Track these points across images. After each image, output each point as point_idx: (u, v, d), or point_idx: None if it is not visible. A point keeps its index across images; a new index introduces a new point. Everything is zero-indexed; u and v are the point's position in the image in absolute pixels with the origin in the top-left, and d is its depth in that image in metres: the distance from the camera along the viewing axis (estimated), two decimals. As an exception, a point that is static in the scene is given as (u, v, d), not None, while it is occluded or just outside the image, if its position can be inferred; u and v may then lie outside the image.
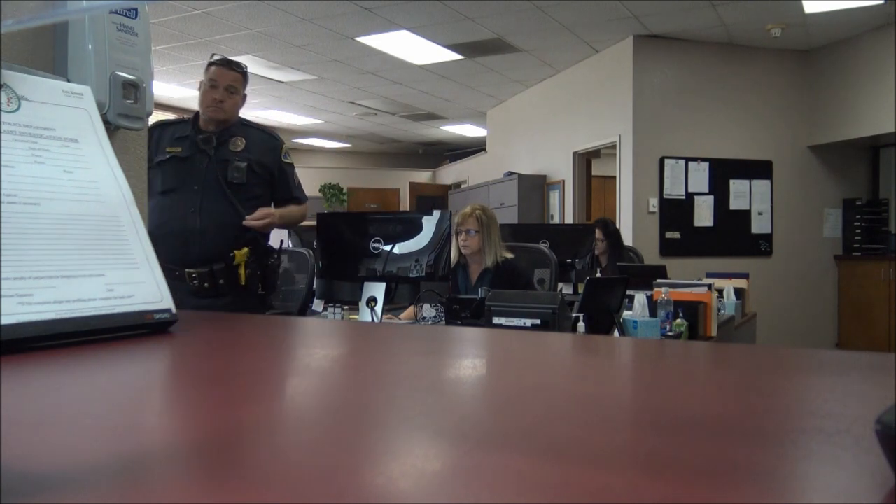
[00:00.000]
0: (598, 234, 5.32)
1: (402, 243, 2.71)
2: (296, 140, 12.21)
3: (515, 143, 9.36)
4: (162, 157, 2.72)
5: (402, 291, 3.63)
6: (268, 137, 2.97)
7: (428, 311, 2.93)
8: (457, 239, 3.47)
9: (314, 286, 3.32)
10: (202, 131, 2.81)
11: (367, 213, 4.06)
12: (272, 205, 2.93)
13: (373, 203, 12.27)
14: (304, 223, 3.38)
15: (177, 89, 8.65)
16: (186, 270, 2.66)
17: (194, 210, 2.70)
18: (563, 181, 8.14)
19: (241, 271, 2.72)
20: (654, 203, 6.96)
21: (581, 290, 3.33)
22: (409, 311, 3.24)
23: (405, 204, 12.50)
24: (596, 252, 5.35)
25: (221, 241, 2.69)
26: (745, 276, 4.77)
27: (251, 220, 2.71)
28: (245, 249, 2.72)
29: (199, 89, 2.87)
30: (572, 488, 0.24)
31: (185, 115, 3.00)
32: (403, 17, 6.31)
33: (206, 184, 2.72)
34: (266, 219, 2.77)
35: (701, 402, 0.39)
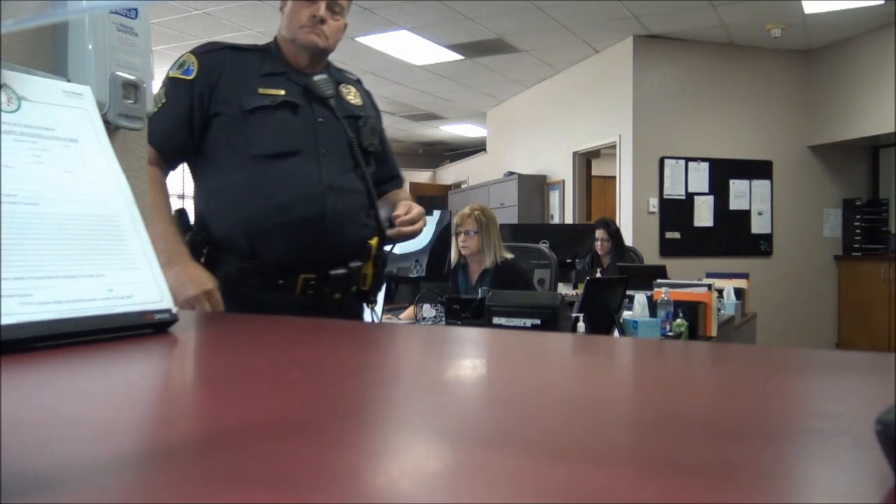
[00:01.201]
0: (602, 233, 5.32)
1: (402, 243, 2.71)
2: (296, 140, 12.18)
3: (515, 143, 9.36)
4: (261, 102, 1.65)
5: (402, 291, 3.63)
6: (363, 88, 1.96)
7: (428, 311, 2.93)
8: (456, 239, 3.47)
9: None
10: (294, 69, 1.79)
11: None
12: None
13: (373, 203, 12.25)
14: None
15: (177, 89, 8.63)
16: (303, 276, 1.66)
17: (321, 188, 1.67)
18: (563, 181, 8.14)
19: (368, 271, 1.78)
20: (654, 203, 6.96)
21: (581, 290, 3.33)
22: (409, 311, 3.23)
23: (405, 204, 12.47)
24: (600, 252, 5.35)
25: (355, 235, 1.74)
26: (745, 276, 4.77)
27: (404, 219, 1.76)
28: (375, 240, 1.76)
29: (282, 7, 1.87)
30: (572, 488, 0.24)
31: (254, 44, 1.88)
32: (403, 17, 6.30)
33: (335, 149, 1.73)
34: (420, 220, 1.79)
35: (701, 402, 0.39)
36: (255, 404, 0.41)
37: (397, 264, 2.86)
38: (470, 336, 0.73)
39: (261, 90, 1.68)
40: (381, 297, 2.66)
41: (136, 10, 1.42)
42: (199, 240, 1.67)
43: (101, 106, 1.19)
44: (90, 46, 1.30)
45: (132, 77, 1.38)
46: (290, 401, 0.41)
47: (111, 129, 1.35)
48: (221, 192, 1.69)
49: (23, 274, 0.55)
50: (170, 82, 1.69)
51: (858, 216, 7.31)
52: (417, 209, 1.79)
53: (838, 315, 7.39)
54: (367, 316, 2.63)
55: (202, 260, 1.63)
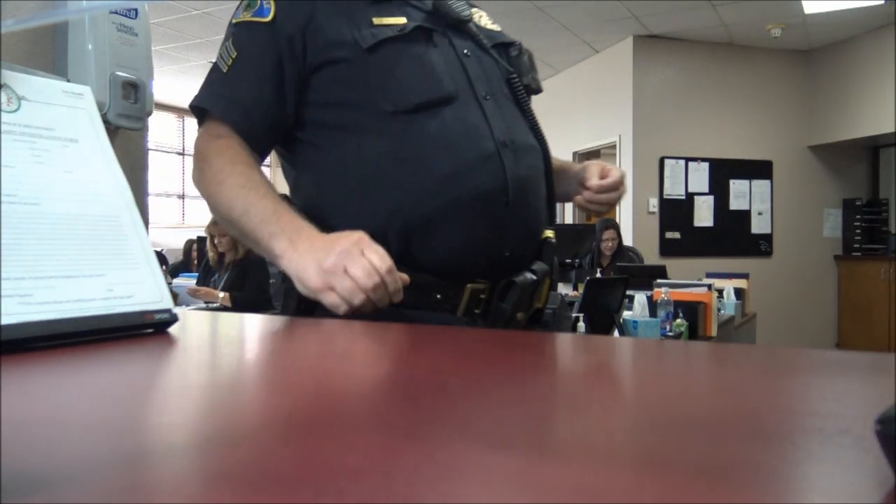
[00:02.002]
0: (612, 234, 5.33)
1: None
2: (296, 140, 12.18)
3: (515, 143, 9.34)
4: (385, 34, 1.10)
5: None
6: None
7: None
8: None
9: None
10: None
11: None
12: None
13: (373, 203, 12.24)
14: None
15: (177, 89, 8.64)
16: (471, 286, 1.06)
17: (495, 145, 1.09)
18: (563, 181, 8.12)
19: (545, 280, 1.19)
20: (654, 203, 6.96)
21: (581, 290, 3.33)
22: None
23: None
24: (607, 253, 5.36)
25: (538, 219, 1.17)
26: (745, 276, 4.77)
27: (603, 183, 1.24)
28: (551, 233, 1.21)
29: None
30: (572, 488, 0.24)
31: None
32: (403, 17, 6.29)
33: (494, 91, 1.16)
34: (622, 185, 1.27)
35: (701, 402, 0.39)
36: (254, 404, 0.41)
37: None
38: (468, 336, 0.73)
39: (375, 20, 1.09)
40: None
41: (136, 10, 1.42)
42: None
43: (101, 106, 1.19)
44: (90, 46, 1.30)
45: (132, 77, 1.38)
46: (290, 400, 0.41)
47: (111, 129, 1.35)
48: (345, 175, 1.07)
49: (23, 274, 0.55)
50: (238, 30, 1.10)
51: (858, 216, 7.31)
52: (617, 171, 1.25)
53: (838, 315, 7.39)
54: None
55: None
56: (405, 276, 0.89)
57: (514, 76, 1.18)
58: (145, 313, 0.62)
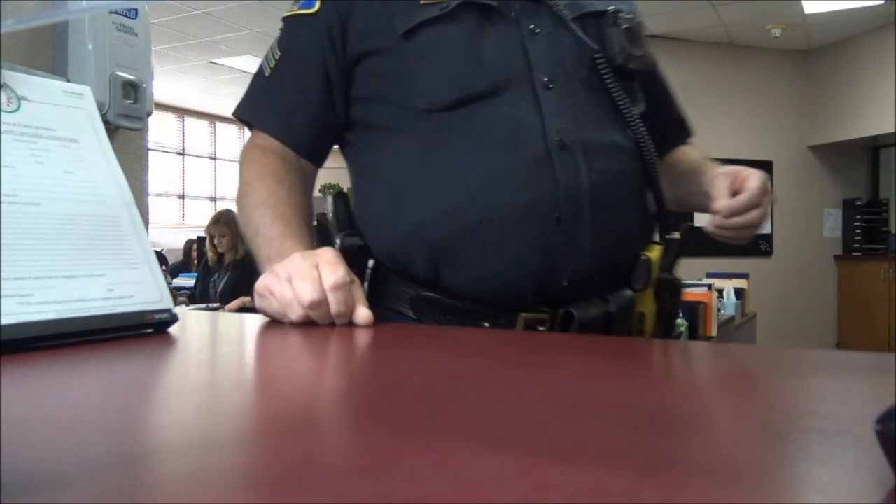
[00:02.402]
0: None
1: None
2: (296, 140, 12.18)
3: (515, 143, 9.35)
4: (423, 16, 0.91)
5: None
6: None
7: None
8: None
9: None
10: None
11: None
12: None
13: (373, 203, 12.26)
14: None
15: (177, 89, 8.65)
16: (525, 315, 0.86)
17: (544, 146, 0.87)
18: (563, 181, 8.13)
19: (648, 306, 0.95)
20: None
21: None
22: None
23: (405, 204, 12.48)
24: None
25: (620, 236, 0.92)
26: (745, 276, 4.77)
27: (732, 204, 0.92)
28: (657, 250, 0.97)
29: None
30: (572, 488, 0.24)
31: None
32: (403, 17, 6.29)
33: (567, 77, 0.92)
34: (764, 203, 0.93)
35: (701, 402, 0.39)
36: (254, 404, 0.41)
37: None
38: (467, 337, 0.73)
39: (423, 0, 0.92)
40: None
41: (136, 10, 1.42)
42: (353, 247, 0.93)
43: (101, 106, 1.19)
44: (90, 46, 1.30)
45: (132, 77, 1.38)
46: (290, 401, 0.41)
47: (111, 129, 1.35)
48: (375, 184, 0.96)
49: (23, 274, 0.55)
50: (284, 27, 1.03)
51: (858, 216, 7.31)
52: (756, 179, 0.92)
53: (838, 315, 7.39)
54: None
55: (365, 284, 0.91)
56: (364, 313, 0.72)
57: (599, 56, 0.91)
58: (145, 313, 0.62)
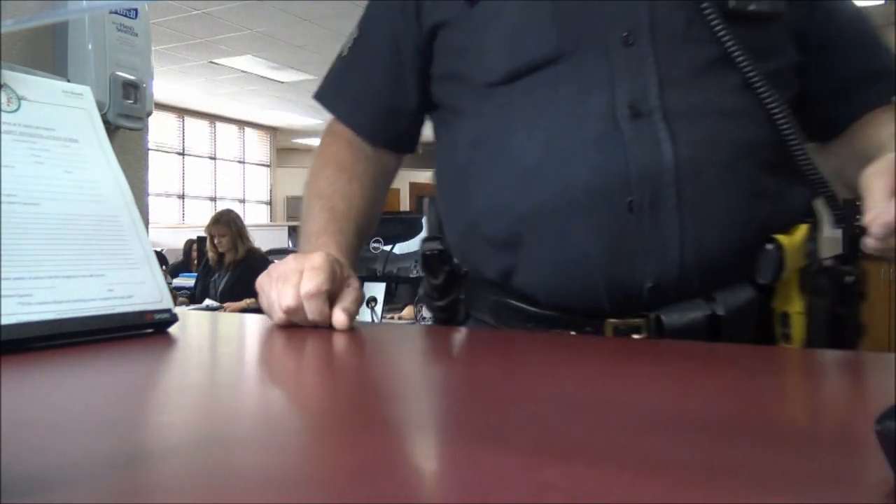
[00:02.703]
0: None
1: (402, 243, 2.71)
2: (296, 140, 12.21)
3: (515, 143, 9.33)
4: None
5: (402, 291, 3.63)
6: None
7: (428, 311, 2.93)
8: None
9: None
10: None
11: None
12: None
13: (373, 203, 12.26)
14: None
15: (177, 89, 8.65)
16: (614, 322, 0.72)
17: (609, 119, 0.71)
18: (563, 181, 8.11)
19: (794, 305, 0.73)
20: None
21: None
22: (408, 310, 3.24)
23: (405, 204, 12.51)
24: None
25: (731, 221, 0.71)
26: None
27: (880, 218, 0.60)
28: (802, 230, 0.75)
29: None
30: (572, 488, 0.24)
31: None
32: (403, 17, 6.30)
33: (661, 31, 0.73)
34: None
35: (701, 402, 0.39)
36: (254, 404, 0.41)
37: (397, 264, 2.87)
38: (467, 337, 0.73)
39: None
40: (381, 297, 2.66)
41: (136, 10, 1.42)
42: (431, 252, 0.87)
43: (101, 106, 1.19)
44: (90, 46, 1.30)
45: (132, 77, 1.38)
46: (289, 401, 0.41)
47: (111, 129, 1.35)
48: (443, 171, 0.89)
49: (23, 274, 0.55)
50: (368, 5, 0.94)
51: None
52: None
53: (838, 315, 7.39)
54: (368, 317, 2.63)
55: (461, 296, 0.85)
56: (338, 318, 0.67)
57: (709, 5, 0.71)
58: (145, 313, 0.62)
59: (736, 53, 0.71)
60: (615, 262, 0.71)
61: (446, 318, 0.87)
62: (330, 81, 0.96)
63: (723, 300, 0.71)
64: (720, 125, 0.71)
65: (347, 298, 0.69)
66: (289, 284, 0.68)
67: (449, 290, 0.87)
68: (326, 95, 0.96)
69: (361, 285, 0.74)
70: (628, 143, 0.69)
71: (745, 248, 0.72)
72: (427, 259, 0.88)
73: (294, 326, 0.67)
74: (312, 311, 0.67)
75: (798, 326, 0.72)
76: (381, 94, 0.91)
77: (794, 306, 0.73)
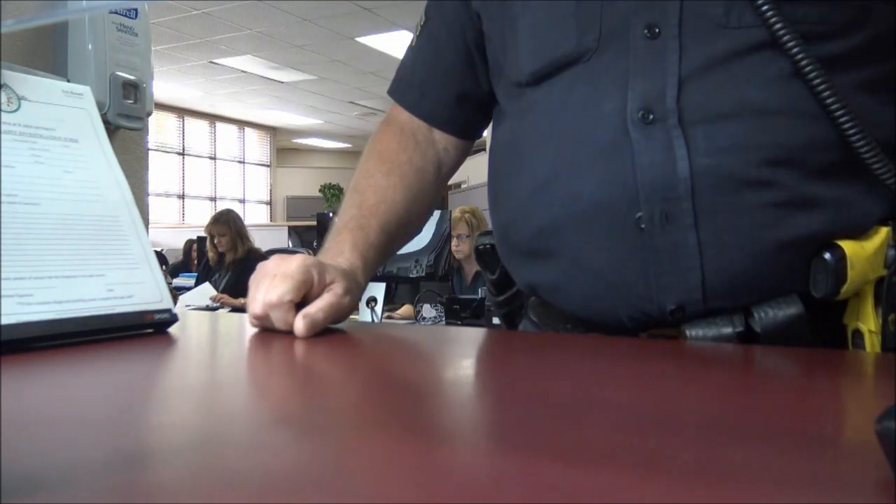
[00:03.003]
0: None
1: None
2: (296, 140, 12.21)
3: (515, 143, 9.33)
4: None
5: (402, 291, 3.63)
6: None
7: (428, 311, 2.93)
8: (449, 243, 3.45)
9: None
10: None
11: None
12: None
13: (373, 203, 12.24)
14: (304, 223, 3.13)
15: (177, 89, 8.65)
16: (651, 333, 0.67)
17: (620, 125, 0.63)
18: (563, 181, 8.11)
19: (868, 317, 0.62)
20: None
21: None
22: (405, 309, 3.24)
23: (405, 204, 12.48)
24: None
25: (764, 230, 0.61)
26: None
27: None
28: (880, 234, 0.62)
29: None
30: (572, 488, 0.24)
31: None
32: (403, 17, 6.31)
33: (681, 17, 0.63)
34: None
35: (701, 402, 0.39)
36: (254, 404, 0.41)
37: (397, 264, 2.87)
38: (468, 337, 0.73)
39: None
40: (381, 297, 2.66)
41: (136, 10, 1.42)
42: (484, 246, 0.85)
43: (101, 106, 1.19)
44: (90, 46, 1.30)
45: (132, 77, 1.38)
46: (289, 401, 0.41)
47: (111, 129, 1.36)
48: (488, 172, 0.82)
49: (23, 274, 0.55)
50: None
51: None
52: None
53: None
54: (368, 316, 2.64)
55: (530, 314, 0.80)
56: (298, 326, 0.63)
57: None
58: (145, 313, 0.62)
59: (784, 35, 0.60)
60: (629, 283, 0.64)
61: (507, 314, 0.84)
62: (400, 71, 0.92)
63: (761, 315, 0.63)
64: (752, 127, 0.61)
65: (316, 304, 0.65)
66: (259, 291, 0.66)
67: (506, 286, 0.83)
68: (397, 89, 0.92)
69: (363, 287, 0.73)
70: (637, 152, 0.62)
71: (789, 261, 0.62)
72: (480, 253, 0.85)
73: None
74: (277, 321, 0.65)
75: (870, 346, 0.62)
76: (448, 80, 0.87)
77: (868, 323, 0.63)
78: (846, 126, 0.59)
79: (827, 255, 0.61)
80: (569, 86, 0.68)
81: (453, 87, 0.87)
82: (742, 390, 0.43)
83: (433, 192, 0.90)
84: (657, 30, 0.63)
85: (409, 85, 0.90)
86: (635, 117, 0.63)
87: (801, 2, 0.61)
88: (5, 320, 0.52)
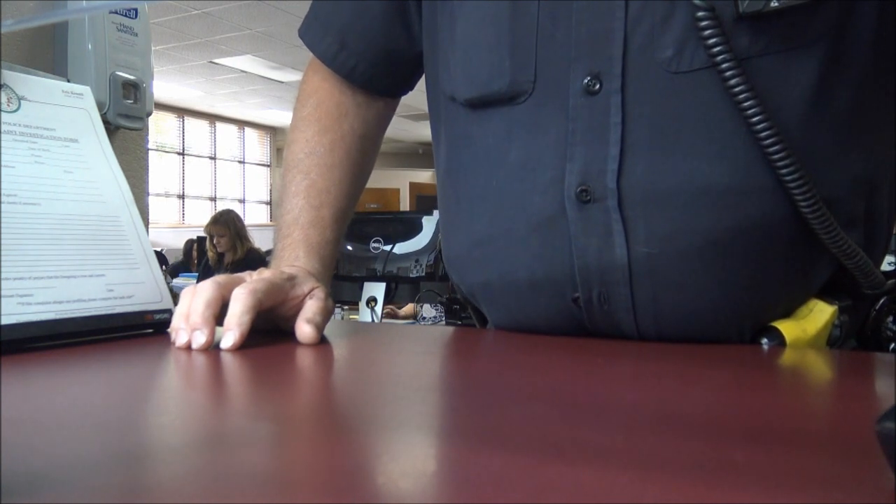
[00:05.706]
0: None
1: (402, 243, 2.70)
2: (296, 140, 12.18)
3: (515, 143, 9.32)
4: None
5: (402, 291, 3.63)
6: None
7: (428, 311, 2.93)
8: None
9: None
10: None
11: (367, 213, 4.07)
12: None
13: (373, 203, 12.27)
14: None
15: (177, 89, 8.65)
16: None
17: (553, 211, 0.60)
18: (563, 181, 8.11)
19: None
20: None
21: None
22: (409, 308, 3.24)
23: (405, 204, 12.51)
24: None
25: (707, 317, 0.59)
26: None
27: None
28: (828, 313, 0.59)
29: None
30: (572, 488, 0.24)
31: None
32: (403, 17, 6.30)
33: (627, 64, 0.55)
34: None
35: (700, 402, 0.39)
36: (254, 404, 0.41)
37: (397, 264, 2.87)
38: (468, 337, 0.73)
39: None
40: (381, 297, 2.66)
41: (136, 10, 1.42)
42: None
43: (101, 106, 1.19)
44: (90, 46, 1.30)
45: (132, 77, 1.38)
46: (288, 400, 0.41)
47: (111, 129, 1.36)
48: (439, 201, 0.75)
49: (23, 274, 0.55)
50: None
51: None
52: None
53: (838, 315, 7.38)
54: (368, 316, 2.64)
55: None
56: (305, 332, 0.60)
57: (705, 14, 0.52)
58: (145, 313, 0.62)
59: (740, 91, 0.52)
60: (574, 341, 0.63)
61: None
62: (315, 10, 0.79)
63: None
64: (697, 209, 0.55)
65: (311, 309, 0.61)
66: (184, 304, 0.59)
67: None
68: (312, 29, 0.79)
69: (361, 285, 0.71)
70: (574, 234, 0.59)
71: (732, 339, 0.60)
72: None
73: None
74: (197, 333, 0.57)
75: None
76: (379, 32, 0.75)
77: None
78: (803, 203, 0.54)
79: (764, 341, 0.59)
80: (507, 130, 0.62)
81: (380, 41, 0.76)
82: (742, 390, 0.43)
83: (373, 153, 0.83)
84: (597, 84, 0.56)
85: (325, 27, 0.78)
86: (572, 193, 0.58)
87: (769, 30, 0.53)
88: (5, 320, 0.52)
